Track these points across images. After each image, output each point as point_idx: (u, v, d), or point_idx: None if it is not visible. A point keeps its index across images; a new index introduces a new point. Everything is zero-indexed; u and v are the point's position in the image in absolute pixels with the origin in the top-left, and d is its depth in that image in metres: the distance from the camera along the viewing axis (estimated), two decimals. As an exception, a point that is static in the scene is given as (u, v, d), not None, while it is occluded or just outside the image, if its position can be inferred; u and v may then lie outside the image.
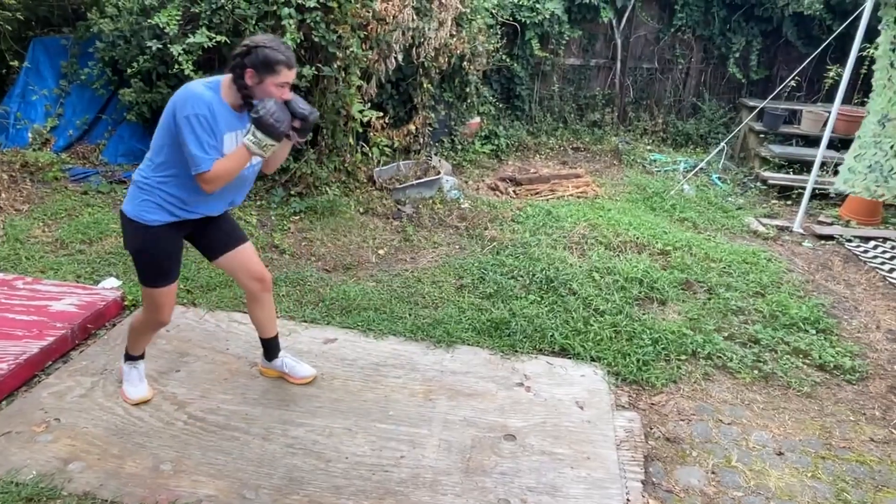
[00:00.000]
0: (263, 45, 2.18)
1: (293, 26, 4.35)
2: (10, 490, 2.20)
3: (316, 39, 4.49)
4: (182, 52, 4.39)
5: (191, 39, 4.39)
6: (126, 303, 3.45)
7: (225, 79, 2.27)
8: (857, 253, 4.81)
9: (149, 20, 4.66)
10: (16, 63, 5.65)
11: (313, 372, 2.94)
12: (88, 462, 2.39)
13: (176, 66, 4.47)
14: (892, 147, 4.51)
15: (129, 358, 2.74)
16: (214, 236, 2.57)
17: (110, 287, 3.57)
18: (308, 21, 4.44)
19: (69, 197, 4.88)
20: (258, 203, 4.89)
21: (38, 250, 4.04)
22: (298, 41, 4.44)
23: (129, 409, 2.69)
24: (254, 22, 4.42)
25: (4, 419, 2.58)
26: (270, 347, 2.88)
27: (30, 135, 5.58)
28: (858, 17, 4.70)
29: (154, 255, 2.39)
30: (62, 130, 5.68)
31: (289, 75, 2.23)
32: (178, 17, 4.51)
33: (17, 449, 2.42)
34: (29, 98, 5.67)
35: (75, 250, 4.07)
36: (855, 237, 5.09)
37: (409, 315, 3.52)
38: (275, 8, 4.36)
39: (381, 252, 4.35)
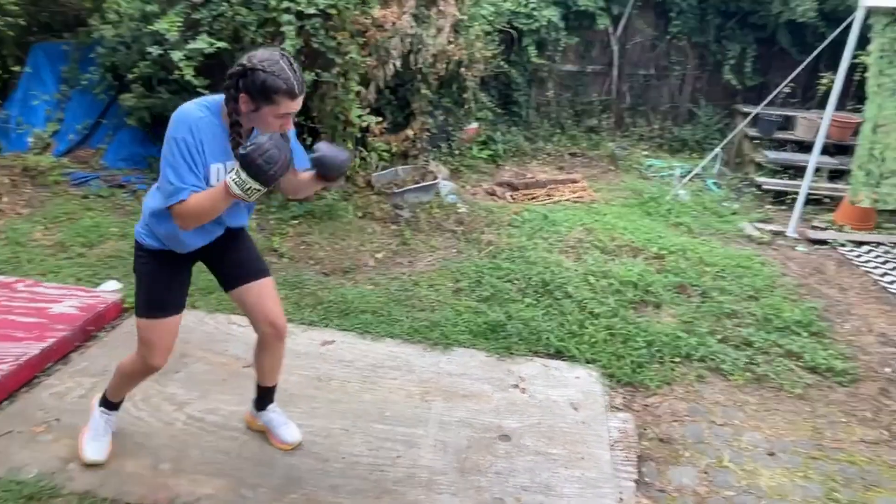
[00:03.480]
0: (261, 68, 1.77)
1: (293, 33, 4.40)
2: (11, 488, 2.23)
3: (315, 45, 4.54)
4: (183, 57, 4.44)
5: (191, 45, 4.44)
6: (126, 305, 3.48)
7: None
8: (851, 257, 4.86)
9: (150, 26, 4.71)
10: (17, 68, 5.70)
11: (298, 438, 2.53)
12: (89, 461, 2.42)
13: (177, 72, 4.52)
14: (881, 153, 4.57)
15: (106, 403, 2.40)
16: (228, 265, 2.25)
17: (110, 290, 3.60)
18: (307, 28, 4.49)
19: (70, 201, 4.91)
20: (257, 207, 4.93)
21: (39, 253, 4.07)
22: (298, 47, 4.48)
23: (129, 410, 2.71)
24: (254, 28, 4.47)
25: (5, 419, 2.61)
26: (263, 397, 2.53)
27: (30, 139, 5.62)
28: (850, 25, 4.76)
29: (146, 281, 2.14)
30: (63, 135, 5.72)
31: (290, 105, 1.83)
32: (179, 24, 4.56)
33: (18, 448, 2.45)
34: (30, 103, 5.71)
35: (76, 253, 4.11)
36: (848, 241, 5.14)
37: (407, 318, 3.55)
38: (275, 15, 4.42)
39: (378, 256, 4.38)
